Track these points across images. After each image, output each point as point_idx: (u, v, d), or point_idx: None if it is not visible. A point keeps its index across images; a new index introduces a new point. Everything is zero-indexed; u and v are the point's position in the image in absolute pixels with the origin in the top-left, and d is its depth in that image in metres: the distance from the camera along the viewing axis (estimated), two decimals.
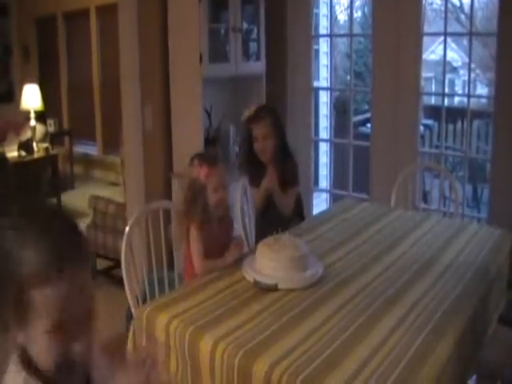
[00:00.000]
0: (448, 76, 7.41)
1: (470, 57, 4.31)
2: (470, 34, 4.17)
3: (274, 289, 2.12)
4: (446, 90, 7.78)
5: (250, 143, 2.90)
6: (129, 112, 3.85)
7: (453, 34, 5.02)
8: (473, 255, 2.54)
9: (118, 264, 4.44)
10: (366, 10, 7.81)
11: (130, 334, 2.05)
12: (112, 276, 4.48)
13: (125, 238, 2.45)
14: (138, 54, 3.79)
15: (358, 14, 7.75)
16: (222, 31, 4.13)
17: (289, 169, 2.96)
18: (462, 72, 9.45)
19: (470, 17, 4.42)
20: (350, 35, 4.99)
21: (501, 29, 3.74)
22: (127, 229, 2.47)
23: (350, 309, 2.01)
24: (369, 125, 6.30)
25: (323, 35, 4.77)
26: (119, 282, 4.30)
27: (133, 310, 2.40)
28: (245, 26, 4.27)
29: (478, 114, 5.89)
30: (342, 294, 2.12)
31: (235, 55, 4.14)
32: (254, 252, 2.33)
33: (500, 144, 3.87)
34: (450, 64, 8.44)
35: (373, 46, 4.36)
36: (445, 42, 4.29)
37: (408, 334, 1.83)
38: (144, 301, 2.48)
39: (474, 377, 2.14)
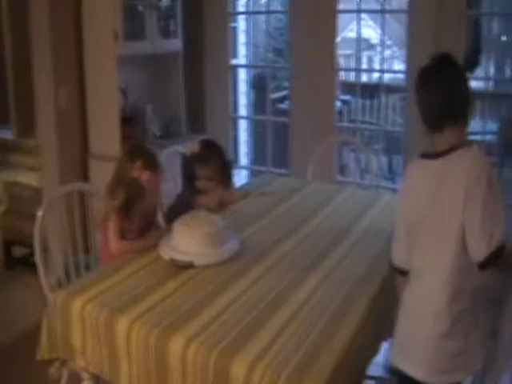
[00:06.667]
0: (366, 53, 7.53)
1: (383, 33, 4.37)
2: (383, 12, 4.26)
3: (189, 266, 2.12)
4: (365, 67, 7.95)
5: (192, 179, 2.75)
6: (42, 92, 3.71)
7: (366, 12, 5.09)
8: (386, 223, 2.61)
9: None
10: None
11: (44, 322, 2.00)
12: (30, 264, 4.31)
13: (37, 222, 2.38)
14: (50, 31, 3.63)
15: None
16: (139, 8, 4.04)
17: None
18: (379, 49, 9.59)
19: None
20: (268, 12, 5.00)
21: (411, 5, 3.85)
22: (39, 213, 2.40)
23: (265, 282, 2.04)
24: (287, 101, 6.35)
25: (241, 13, 4.75)
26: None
27: (47, 296, 2.34)
28: (163, 2, 4.19)
29: (395, 90, 6.02)
30: (257, 268, 2.15)
31: (152, 33, 4.05)
32: (170, 231, 2.31)
33: (413, 117, 3.99)
34: (367, 41, 8.58)
35: (291, 23, 4.39)
36: (359, 19, 4.36)
37: (320, 304, 1.89)
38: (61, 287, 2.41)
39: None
